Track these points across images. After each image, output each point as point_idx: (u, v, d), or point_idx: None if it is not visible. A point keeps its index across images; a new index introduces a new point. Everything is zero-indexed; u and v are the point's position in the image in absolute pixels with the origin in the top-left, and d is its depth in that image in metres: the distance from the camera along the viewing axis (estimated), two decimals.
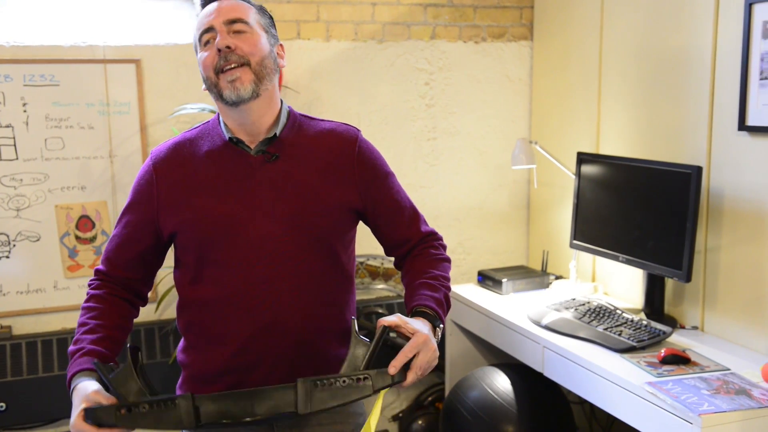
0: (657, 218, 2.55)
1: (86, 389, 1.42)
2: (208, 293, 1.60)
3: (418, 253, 1.73)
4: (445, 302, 1.64)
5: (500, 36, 3.46)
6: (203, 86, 1.63)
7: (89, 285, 1.68)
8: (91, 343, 1.54)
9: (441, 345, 1.69)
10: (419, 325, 1.51)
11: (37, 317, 2.96)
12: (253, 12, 1.63)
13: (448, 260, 1.75)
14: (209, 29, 1.57)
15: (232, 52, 1.55)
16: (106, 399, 1.40)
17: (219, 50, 1.55)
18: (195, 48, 1.63)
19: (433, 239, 1.77)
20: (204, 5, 1.61)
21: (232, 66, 1.55)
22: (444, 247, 1.78)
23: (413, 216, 1.75)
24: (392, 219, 1.72)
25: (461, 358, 3.24)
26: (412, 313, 1.58)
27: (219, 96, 1.58)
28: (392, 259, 1.80)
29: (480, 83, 3.46)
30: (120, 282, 1.66)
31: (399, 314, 1.52)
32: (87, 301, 1.64)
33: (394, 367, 1.45)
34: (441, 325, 1.59)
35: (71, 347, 1.56)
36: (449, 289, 1.68)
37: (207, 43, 1.58)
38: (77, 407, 1.40)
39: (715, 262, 2.48)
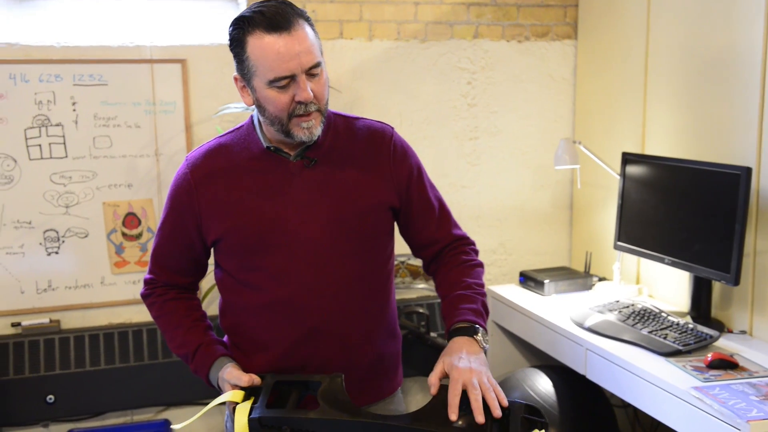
0: (704, 220, 2.51)
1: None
2: (251, 299, 1.61)
3: (449, 260, 1.70)
4: (483, 310, 1.61)
5: (544, 35, 3.43)
6: (252, 107, 1.58)
7: (145, 296, 1.71)
8: (203, 336, 1.65)
9: None
10: (454, 360, 1.45)
11: (84, 312, 3.03)
12: (316, 41, 1.54)
13: (480, 265, 1.70)
14: (291, 77, 1.49)
15: (311, 102, 1.52)
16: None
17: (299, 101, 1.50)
18: (249, 70, 1.52)
19: (464, 244, 1.73)
20: (269, 29, 1.47)
21: (309, 112, 1.53)
22: (476, 252, 1.73)
23: (443, 216, 1.72)
24: (422, 217, 1.70)
25: (503, 360, 3.22)
26: (449, 331, 1.56)
27: (286, 134, 1.55)
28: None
29: (523, 83, 3.43)
30: (172, 286, 1.70)
31: (440, 361, 1.48)
32: (158, 309, 1.69)
33: (453, 413, 1.38)
34: (480, 332, 1.54)
35: (182, 350, 1.64)
36: (485, 295, 1.65)
37: (283, 87, 1.50)
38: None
39: (764, 266, 2.43)
